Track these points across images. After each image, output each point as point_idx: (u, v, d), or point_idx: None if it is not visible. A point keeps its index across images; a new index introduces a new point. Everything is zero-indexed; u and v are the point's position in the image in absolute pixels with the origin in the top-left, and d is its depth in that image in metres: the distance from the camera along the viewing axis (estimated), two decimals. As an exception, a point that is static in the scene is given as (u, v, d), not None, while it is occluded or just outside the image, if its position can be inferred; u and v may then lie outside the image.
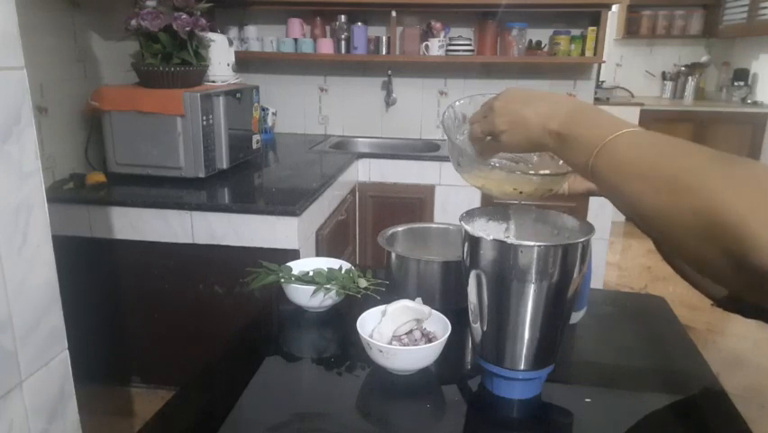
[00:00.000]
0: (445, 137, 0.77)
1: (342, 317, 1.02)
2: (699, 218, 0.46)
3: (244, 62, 3.00)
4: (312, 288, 0.97)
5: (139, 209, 1.79)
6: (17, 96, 0.89)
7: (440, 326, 0.86)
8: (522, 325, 0.72)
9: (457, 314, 0.86)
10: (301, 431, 0.74)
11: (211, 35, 2.08)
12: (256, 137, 2.29)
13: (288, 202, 1.77)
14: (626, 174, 0.53)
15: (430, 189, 2.69)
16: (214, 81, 2.15)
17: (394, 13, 2.82)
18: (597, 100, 4.17)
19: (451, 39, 2.90)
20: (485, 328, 0.75)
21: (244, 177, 2.14)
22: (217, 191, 1.93)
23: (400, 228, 1.13)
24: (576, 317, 0.98)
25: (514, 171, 0.72)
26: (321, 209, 2.04)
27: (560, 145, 0.62)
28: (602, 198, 0.72)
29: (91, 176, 1.91)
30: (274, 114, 3.11)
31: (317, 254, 1.98)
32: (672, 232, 0.50)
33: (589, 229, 0.72)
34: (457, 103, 0.79)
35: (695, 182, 0.47)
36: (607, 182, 0.56)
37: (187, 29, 1.90)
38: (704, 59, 4.83)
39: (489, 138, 0.70)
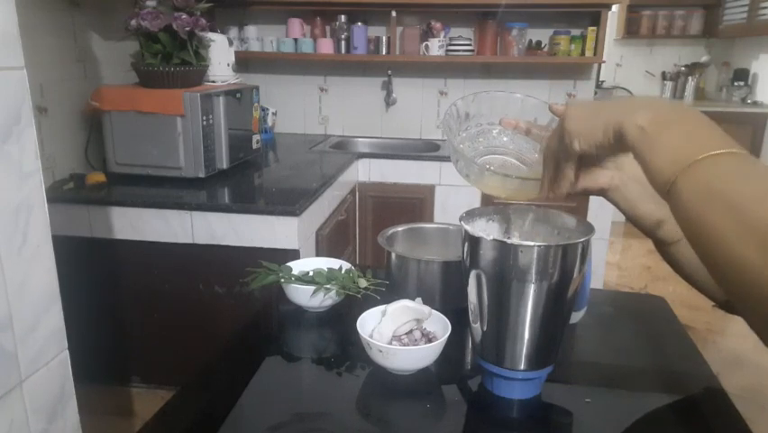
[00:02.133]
0: (446, 136, 0.77)
1: (342, 317, 1.02)
2: None
3: (244, 62, 3.00)
4: (312, 288, 0.97)
5: (139, 209, 1.79)
6: (17, 96, 0.89)
7: (440, 326, 0.86)
8: (522, 325, 0.72)
9: (457, 314, 0.86)
10: (301, 431, 0.73)
11: (211, 35, 2.08)
12: (256, 137, 2.29)
13: (288, 202, 1.77)
14: (713, 205, 0.43)
15: (430, 189, 2.69)
16: (214, 81, 2.15)
17: (394, 13, 2.82)
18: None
19: (451, 39, 2.90)
20: (485, 328, 0.75)
21: (244, 177, 2.14)
22: (217, 191, 1.93)
23: (400, 228, 1.13)
24: (576, 317, 0.98)
25: (510, 176, 0.71)
26: (321, 209, 2.04)
27: (642, 143, 0.50)
28: (601, 197, 0.72)
29: (91, 176, 1.91)
30: (274, 114, 3.11)
31: (317, 254, 1.98)
32: (752, 294, 0.40)
33: (589, 229, 0.72)
34: (459, 101, 0.79)
35: None
36: (687, 207, 0.45)
37: (187, 29, 1.90)
38: (704, 59, 4.83)
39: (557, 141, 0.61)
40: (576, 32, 2.86)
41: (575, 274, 0.70)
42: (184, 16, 1.89)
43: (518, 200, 0.74)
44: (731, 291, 0.43)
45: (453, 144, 0.74)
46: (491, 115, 0.81)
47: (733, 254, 0.41)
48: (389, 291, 1.01)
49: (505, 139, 0.81)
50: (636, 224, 0.71)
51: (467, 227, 0.73)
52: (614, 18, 4.74)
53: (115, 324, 1.92)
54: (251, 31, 3.01)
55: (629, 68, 5.00)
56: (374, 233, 2.61)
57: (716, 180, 0.44)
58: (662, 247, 0.72)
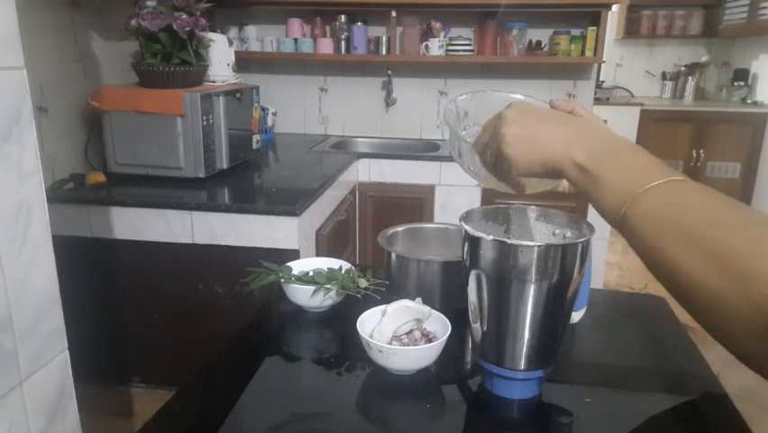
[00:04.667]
0: (445, 136, 0.77)
1: (342, 317, 1.02)
2: (759, 313, 0.37)
3: (244, 62, 3.00)
4: (312, 288, 0.97)
5: (139, 209, 1.79)
6: (17, 96, 0.89)
7: (440, 326, 0.86)
8: (522, 325, 0.72)
9: (457, 314, 0.86)
10: (301, 431, 0.73)
11: (211, 35, 2.08)
12: (256, 137, 2.29)
13: (288, 202, 1.77)
14: (667, 235, 0.43)
15: (430, 189, 2.68)
16: (214, 81, 2.15)
17: (394, 13, 2.82)
18: (597, 100, 4.17)
19: (451, 39, 2.90)
20: (485, 328, 0.75)
21: (244, 177, 2.14)
22: (217, 191, 1.93)
23: (400, 228, 1.13)
24: (576, 317, 0.98)
25: None
26: (321, 209, 2.04)
27: (584, 181, 0.52)
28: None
29: (91, 176, 1.90)
30: (274, 114, 3.11)
31: (317, 254, 1.98)
32: (719, 319, 0.41)
33: (589, 229, 0.73)
34: (459, 98, 0.78)
35: (756, 270, 0.38)
36: (640, 239, 0.46)
37: (187, 29, 1.90)
38: (704, 59, 4.83)
39: (493, 155, 0.62)
40: (576, 31, 2.86)
41: (575, 274, 0.70)
42: (184, 16, 1.88)
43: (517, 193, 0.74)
44: (701, 319, 0.43)
45: (456, 132, 0.74)
46: (490, 115, 0.81)
47: (695, 281, 0.41)
48: (389, 291, 1.01)
49: None
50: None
51: (467, 227, 0.73)
52: (614, 18, 4.74)
53: (115, 324, 1.92)
54: (251, 31, 3.01)
55: (629, 68, 5.01)
56: (374, 233, 2.61)
57: (665, 209, 0.44)
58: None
